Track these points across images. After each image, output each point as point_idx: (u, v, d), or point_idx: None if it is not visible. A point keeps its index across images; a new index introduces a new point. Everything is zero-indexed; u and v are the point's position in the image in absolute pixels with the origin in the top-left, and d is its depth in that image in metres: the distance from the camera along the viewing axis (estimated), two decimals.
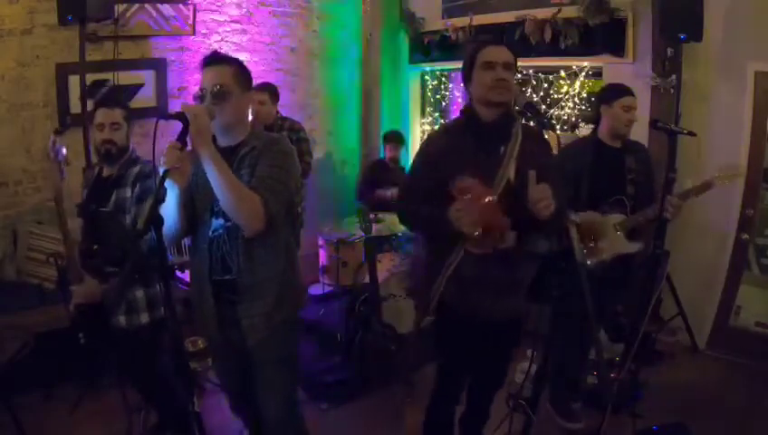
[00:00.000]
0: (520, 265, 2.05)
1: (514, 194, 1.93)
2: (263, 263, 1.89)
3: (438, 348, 2.24)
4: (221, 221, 1.87)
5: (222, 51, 2.20)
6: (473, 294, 2.00)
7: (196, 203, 1.88)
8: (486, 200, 1.84)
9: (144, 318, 2.35)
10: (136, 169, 2.38)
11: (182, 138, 1.64)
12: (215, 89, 1.81)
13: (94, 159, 2.79)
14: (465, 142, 1.99)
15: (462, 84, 2.13)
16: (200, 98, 1.83)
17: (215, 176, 1.71)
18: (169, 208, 1.79)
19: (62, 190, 2.37)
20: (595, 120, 2.76)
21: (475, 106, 2.03)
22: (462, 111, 2.10)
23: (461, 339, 2.10)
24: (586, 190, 2.61)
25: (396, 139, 4.86)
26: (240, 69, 1.89)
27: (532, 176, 1.82)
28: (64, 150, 2.35)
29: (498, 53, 1.96)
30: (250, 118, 2.07)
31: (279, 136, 2.01)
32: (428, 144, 2.12)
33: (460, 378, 2.24)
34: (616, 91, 2.67)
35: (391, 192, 4.59)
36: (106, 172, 2.44)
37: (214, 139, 1.90)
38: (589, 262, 2.51)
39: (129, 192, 2.33)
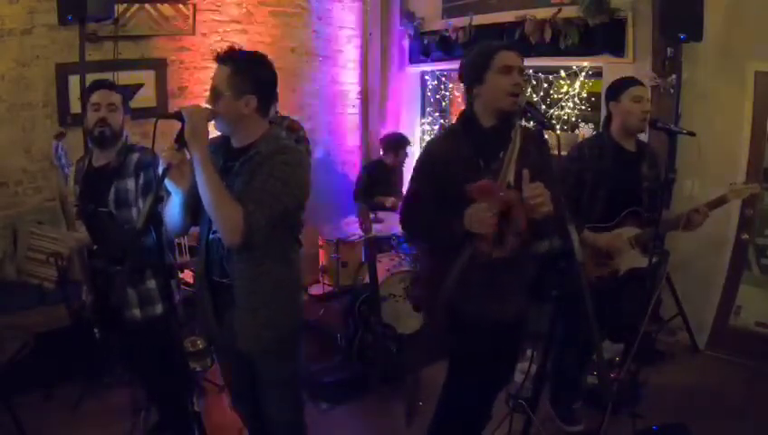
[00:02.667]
0: (525, 266, 2.06)
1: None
2: (254, 274, 1.84)
3: (455, 356, 2.19)
4: None
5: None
6: (481, 299, 1.99)
7: (201, 203, 1.85)
8: (501, 195, 1.85)
9: (158, 309, 2.32)
10: (135, 156, 2.30)
11: (180, 137, 1.64)
12: (211, 90, 1.79)
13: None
14: (465, 149, 1.95)
15: (465, 84, 2.02)
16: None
17: (200, 179, 1.69)
18: (174, 212, 1.78)
19: (66, 195, 2.36)
20: (605, 121, 2.60)
21: (477, 109, 1.97)
22: (460, 117, 2.04)
23: (473, 344, 2.08)
24: (603, 200, 2.50)
25: (394, 145, 4.66)
26: (240, 70, 1.77)
27: (525, 175, 1.82)
28: (65, 155, 2.35)
29: (515, 58, 1.92)
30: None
31: (289, 145, 1.90)
32: (429, 152, 2.05)
33: (487, 387, 2.20)
34: (621, 84, 2.52)
35: (391, 201, 4.56)
36: (98, 162, 2.34)
37: (226, 140, 1.89)
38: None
39: (131, 183, 2.26)
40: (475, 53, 1.99)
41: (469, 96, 2.00)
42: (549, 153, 2.03)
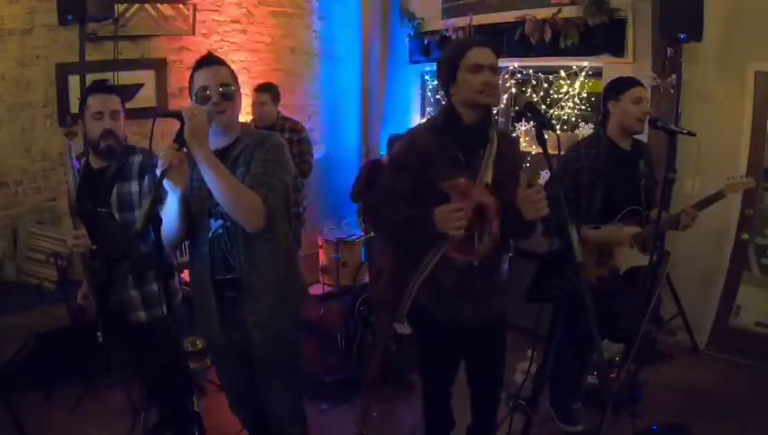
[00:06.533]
0: (499, 269, 2.05)
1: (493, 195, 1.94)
2: (264, 259, 1.91)
3: (420, 354, 2.20)
4: (220, 222, 1.87)
5: (221, 51, 2.18)
6: (451, 302, 1.97)
7: (193, 207, 1.86)
8: (479, 198, 1.87)
9: (162, 310, 2.28)
10: (137, 158, 2.23)
11: (179, 138, 1.64)
12: (222, 88, 1.82)
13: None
14: (448, 144, 1.93)
15: (440, 84, 2.01)
16: (203, 98, 1.81)
17: (211, 176, 1.71)
18: (170, 213, 1.78)
19: (75, 194, 2.31)
20: (602, 119, 2.59)
21: (458, 107, 1.95)
22: (442, 112, 2.02)
23: (442, 345, 2.09)
24: (600, 200, 2.49)
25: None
26: (232, 70, 1.92)
27: (523, 178, 1.82)
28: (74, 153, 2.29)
29: (485, 56, 1.88)
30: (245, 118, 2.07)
31: (270, 132, 2.01)
32: (411, 144, 1.98)
33: (446, 378, 2.21)
34: (622, 84, 2.50)
35: None
36: (97, 163, 2.26)
37: None
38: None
39: (134, 186, 2.20)
40: (447, 53, 1.99)
41: (447, 94, 1.99)
42: (521, 156, 2.03)
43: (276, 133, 2.03)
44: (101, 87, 2.27)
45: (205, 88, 1.82)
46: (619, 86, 2.51)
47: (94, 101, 2.18)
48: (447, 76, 1.95)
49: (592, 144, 2.56)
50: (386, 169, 2.10)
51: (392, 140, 4.76)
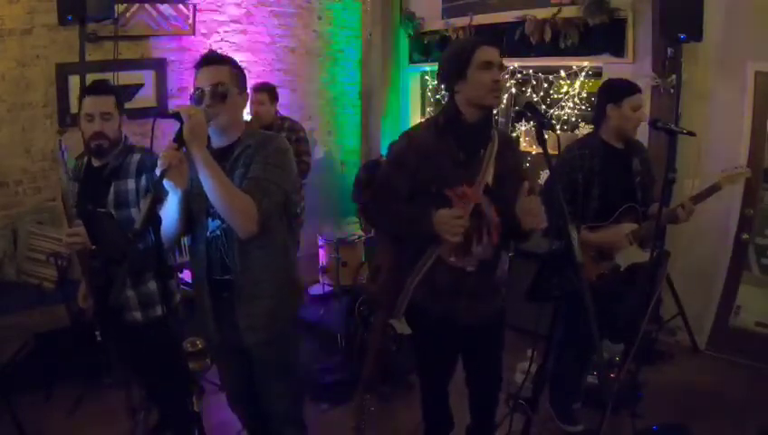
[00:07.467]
0: (497, 269, 2.06)
1: (492, 198, 1.94)
2: (260, 263, 1.89)
3: (418, 353, 2.21)
4: (217, 223, 1.87)
5: (221, 51, 2.18)
6: (446, 300, 1.98)
7: (192, 205, 1.86)
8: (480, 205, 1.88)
9: (159, 310, 2.28)
10: (136, 157, 2.25)
11: (178, 138, 1.64)
12: (213, 89, 1.80)
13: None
14: (448, 143, 1.94)
15: (445, 81, 1.97)
16: (197, 98, 1.81)
17: (206, 177, 1.70)
18: (170, 212, 1.78)
19: (68, 191, 2.32)
20: (597, 118, 2.59)
21: (461, 106, 1.94)
22: (444, 111, 2.01)
23: (440, 344, 2.09)
24: (596, 199, 2.51)
25: None
26: (236, 69, 1.88)
27: (524, 187, 1.81)
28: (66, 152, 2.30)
29: (495, 54, 1.89)
30: (247, 118, 2.04)
31: (274, 134, 1.99)
32: (410, 141, 1.99)
33: (444, 377, 2.22)
34: (625, 90, 2.50)
35: None
36: (97, 162, 2.29)
37: (208, 140, 1.90)
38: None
39: (131, 184, 2.22)
40: (455, 50, 1.97)
41: (450, 92, 1.97)
42: (521, 158, 2.03)
43: (281, 136, 1.99)
44: (96, 88, 2.27)
45: (198, 89, 1.82)
46: (621, 91, 2.51)
47: (86, 103, 2.20)
48: (454, 73, 1.92)
49: (586, 145, 2.58)
50: (384, 167, 2.10)
51: (392, 145, 4.75)
